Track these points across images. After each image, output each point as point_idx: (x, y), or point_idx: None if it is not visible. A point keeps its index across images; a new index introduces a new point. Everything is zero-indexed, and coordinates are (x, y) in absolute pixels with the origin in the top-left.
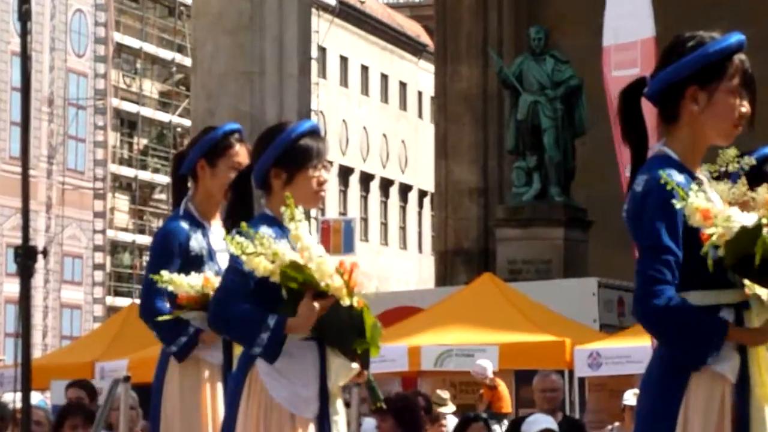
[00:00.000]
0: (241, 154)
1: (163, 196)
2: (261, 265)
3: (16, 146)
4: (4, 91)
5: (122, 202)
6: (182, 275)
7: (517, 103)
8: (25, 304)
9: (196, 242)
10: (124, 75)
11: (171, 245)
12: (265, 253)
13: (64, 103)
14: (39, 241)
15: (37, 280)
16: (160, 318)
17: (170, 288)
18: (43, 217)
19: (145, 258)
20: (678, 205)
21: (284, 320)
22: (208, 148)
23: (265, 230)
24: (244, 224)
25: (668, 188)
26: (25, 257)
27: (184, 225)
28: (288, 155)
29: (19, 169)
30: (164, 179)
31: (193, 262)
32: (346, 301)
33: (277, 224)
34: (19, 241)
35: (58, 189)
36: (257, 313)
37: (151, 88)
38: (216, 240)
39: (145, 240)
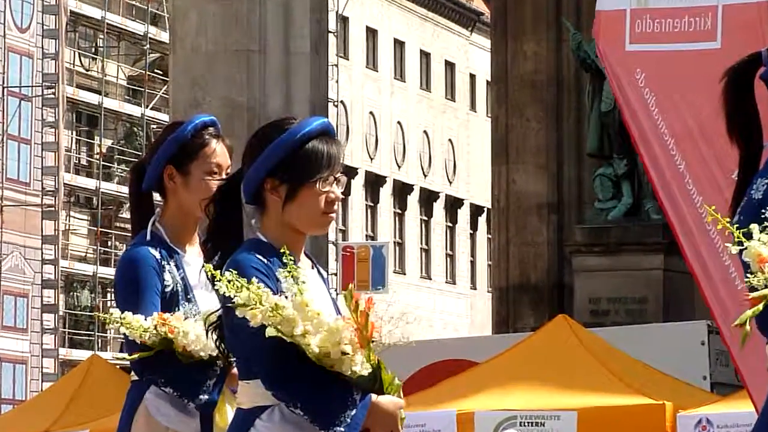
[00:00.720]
0: (220, 154)
1: None
2: (267, 327)
3: None
4: None
5: (80, 222)
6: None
7: (601, 90)
8: None
9: (171, 275)
10: (82, 55)
11: (146, 270)
12: (262, 309)
13: (2, 92)
14: None
15: None
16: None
17: (124, 330)
18: None
19: (110, 297)
20: (733, 250)
21: (370, 399)
22: (175, 150)
23: (257, 273)
24: (214, 271)
25: None
26: None
27: (154, 253)
28: (289, 163)
29: None
30: None
31: (168, 302)
32: (364, 365)
33: (275, 254)
34: None
35: None
36: (338, 385)
37: (117, 71)
38: (193, 272)
39: (110, 272)
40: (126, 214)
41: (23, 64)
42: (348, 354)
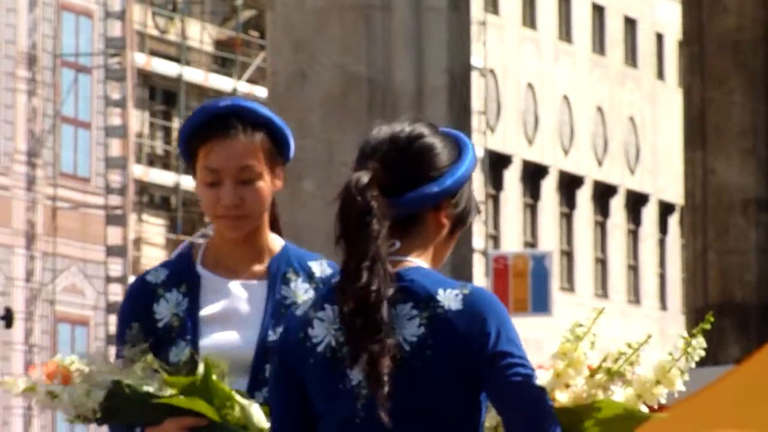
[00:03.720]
0: (219, 154)
1: None
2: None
3: None
4: None
5: (155, 228)
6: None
7: None
8: None
9: (167, 306)
10: (156, 13)
11: (125, 305)
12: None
13: (53, 62)
14: (14, 297)
15: (13, 362)
16: None
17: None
18: (20, 256)
19: None
20: None
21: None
22: (182, 146)
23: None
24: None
25: None
26: None
27: (152, 279)
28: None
29: None
30: None
31: (161, 339)
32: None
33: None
34: None
35: (45, 208)
36: None
37: (201, 35)
38: (225, 303)
39: None
40: None
41: (81, 26)
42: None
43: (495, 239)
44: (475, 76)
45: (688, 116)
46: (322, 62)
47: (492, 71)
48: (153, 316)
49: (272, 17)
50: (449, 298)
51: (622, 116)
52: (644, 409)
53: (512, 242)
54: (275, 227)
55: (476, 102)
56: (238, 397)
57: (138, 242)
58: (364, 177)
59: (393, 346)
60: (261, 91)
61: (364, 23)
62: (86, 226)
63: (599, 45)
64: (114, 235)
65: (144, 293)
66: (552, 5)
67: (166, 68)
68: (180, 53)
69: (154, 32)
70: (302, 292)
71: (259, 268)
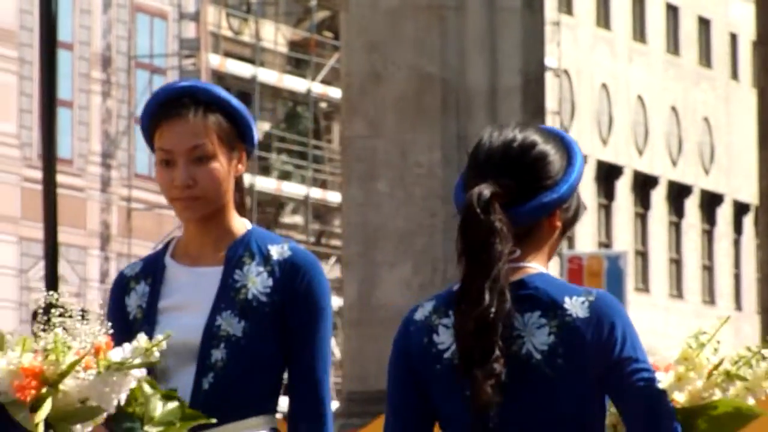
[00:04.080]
0: (170, 134)
1: (298, 219)
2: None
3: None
4: (27, 46)
5: None
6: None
7: None
8: None
9: (136, 298)
10: (230, 14)
11: (110, 300)
12: None
13: (128, 64)
14: (88, 298)
15: None
16: None
17: None
18: (95, 258)
19: None
20: None
21: None
22: (142, 129)
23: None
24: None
25: None
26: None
27: (128, 271)
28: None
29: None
30: (301, 190)
31: (131, 332)
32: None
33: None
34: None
35: (120, 210)
36: None
37: (275, 36)
38: (188, 289)
39: None
40: (289, 218)
41: (155, 27)
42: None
43: (570, 239)
44: (549, 77)
45: (762, 116)
46: (396, 63)
47: (566, 71)
48: (126, 309)
49: (346, 18)
50: (576, 305)
51: (696, 116)
52: (751, 402)
53: (587, 243)
54: (242, 212)
55: (550, 102)
56: (145, 388)
57: None
58: (486, 192)
59: (501, 369)
60: (335, 92)
61: (438, 23)
62: (160, 227)
63: (673, 45)
64: None
65: (119, 286)
66: (626, 5)
67: (241, 69)
68: (254, 54)
69: (228, 33)
70: (254, 275)
71: (221, 254)
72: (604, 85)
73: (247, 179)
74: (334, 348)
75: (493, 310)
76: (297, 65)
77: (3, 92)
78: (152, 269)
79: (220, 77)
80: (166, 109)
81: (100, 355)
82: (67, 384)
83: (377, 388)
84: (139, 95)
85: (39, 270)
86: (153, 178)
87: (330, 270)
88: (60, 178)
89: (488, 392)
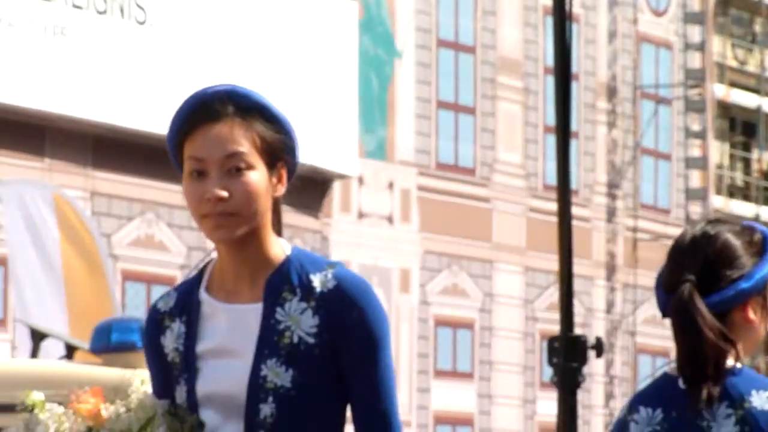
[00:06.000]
0: (204, 142)
1: None
2: None
3: (551, 169)
4: (531, 75)
5: None
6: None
7: None
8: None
9: (171, 338)
10: (735, 44)
11: (144, 339)
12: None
13: (633, 94)
14: (593, 328)
15: (593, 394)
16: None
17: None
18: (600, 288)
19: None
20: None
21: None
22: (169, 142)
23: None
24: None
25: None
26: (566, 358)
27: (162, 305)
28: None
29: (550, 206)
30: None
31: (170, 376)
32: None
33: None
34: (556, 329)
35: (625, 240)
36: None
37: None
38: (228, 332)
39: None
40: None
41: (660, 58)
42: None
43: None
44: None
45: None
46: None
47: None
48: (163, 350)
49: None
50: (762, 399)
51: None
52: None
53: None
54: (278, 234)
55: None
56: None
57: None
58: (685, 291)
59: None
60: None
61: None
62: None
63: None
64: None
65: (152, 324)
66: None
67: (746, 99)
68: (759, 84)
69: (734, 63)
70: (298, 314)
71: (259, 288)
72: None
73: (751, 210)
74: None
75: (704, 402)
76: None
77: (509, 122)
78: (187, 305)
79: (725, 107)
80: (198, 115)
81: None
82: None
83: None
84: (645, 125)
85: (544, 300)
86: (659, 209)
87: None
88: None
89: None
